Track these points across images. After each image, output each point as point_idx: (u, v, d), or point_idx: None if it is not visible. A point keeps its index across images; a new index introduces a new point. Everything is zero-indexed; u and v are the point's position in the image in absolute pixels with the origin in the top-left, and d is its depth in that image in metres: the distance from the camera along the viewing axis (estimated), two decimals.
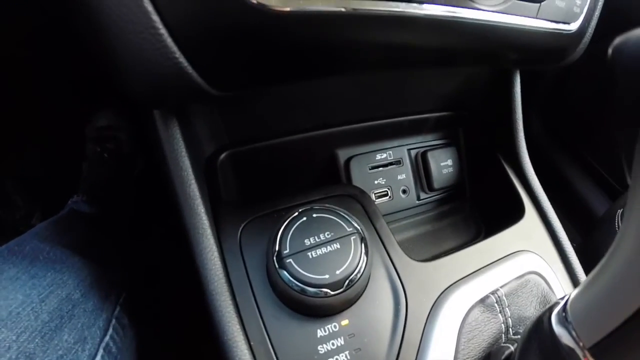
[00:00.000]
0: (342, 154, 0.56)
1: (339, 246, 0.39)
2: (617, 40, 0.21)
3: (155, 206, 1.01)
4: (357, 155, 0.56)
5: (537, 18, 0.42)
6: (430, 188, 0.60)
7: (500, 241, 0.51)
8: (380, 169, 0.57)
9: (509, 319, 0.44)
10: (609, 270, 0.26)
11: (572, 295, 0.31)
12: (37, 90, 1.02)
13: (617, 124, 0.23)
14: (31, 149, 1.11)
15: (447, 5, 0.35)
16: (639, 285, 0.23)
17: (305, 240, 0.39)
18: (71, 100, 1.13)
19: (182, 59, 0.29)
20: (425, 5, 0.33)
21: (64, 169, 1.10)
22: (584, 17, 0.48)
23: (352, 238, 0.40)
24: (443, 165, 0.60)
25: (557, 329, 0.31)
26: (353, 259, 0.38)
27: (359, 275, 0.38)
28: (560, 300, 0.32)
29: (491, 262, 0.48)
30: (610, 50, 0.22)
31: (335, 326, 0.38)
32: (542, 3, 0.42)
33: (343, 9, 0.30)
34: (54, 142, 1.13)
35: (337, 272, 0.37)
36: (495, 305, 0.44)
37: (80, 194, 0.92)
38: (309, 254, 0.38)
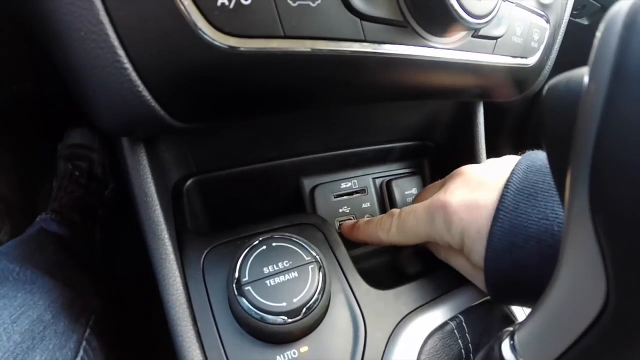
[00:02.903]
0: (307, 183, 0.57)
1: (296, 274, 0.40)
2: (552, 80, 0.22)
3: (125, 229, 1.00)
4: (322, 184, 0.57)
5: (493, 54, 0.44)
6: None
7: None
8: (345, 197, 0.58)
9: (469, 345, 0.45)
10: (547, 302, 0.28)
11: (520, 324, 0.32)
12: (7, 102, 1.01)
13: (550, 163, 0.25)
14: (0, 163, 1.10)
15: (401, 44, 0.36)
16: (574, 318, 0.24)
17: (264, 269, 0.40)
18: (44, 114, 1.12)
19: (145, 93, 0.30)
20: (379, 45, 0.35)
21: (35, 184, 1.09)
22: (542, 52, 0.50)
23: (310, 267, 0.41)
24: (407, 193, 0.62)
25: (507, 357, 0.32)
26: (310, 287, 0.39)
27: (316, 303, 0.39)
28: (510, 329, 0.34)
29: (452, 289, 0.49)
30: (544, 91, 0.23)
31: (294, 353, 0.39)
32: (498, 40, 0.43)
33: (304, 49, 0.31)
34: (25, 157, 1.12)
35: (295, 300, 0.38)
36: (455, 331, 0.45)
37: (49, 212, 0.91)
38: (268, 282, 0.39)
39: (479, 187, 0.42)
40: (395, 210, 0.49)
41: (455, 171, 0.47)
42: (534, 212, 0.37)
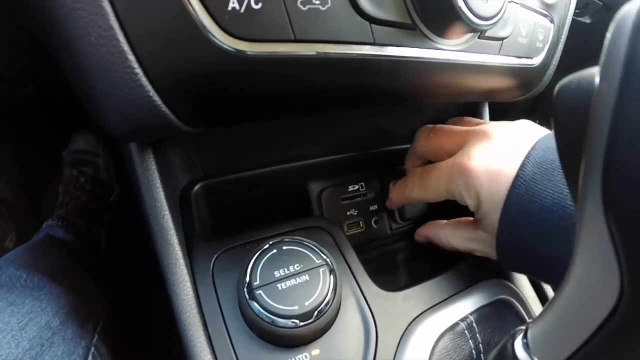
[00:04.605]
0: (315, 186, 0.57)
1: (307, 278, 0.40)
2: (563, 80, 0.23)
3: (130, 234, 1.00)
4: (329, 187, 0.57)
5: (499, 55, 0.44)
6: (402, 218, 0.61)
7: (470, 269, 0.52)
8: (353, 200, 0.58)
9: (480, 345, 0.45)
10: (561, 299, 0.28)
11: (533, 322, 0.32)
12: (11, 107, 1.01)
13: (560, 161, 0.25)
14: (5, 169, 1.10)
15: (410, 47, 0.36)
16: (588, 315, 0.25)
17: (275, 272, 0.40)
18: (48, 120, 1.13)
19: (156, 97, 0.30)
20: (387, 48, 0.35)
21: (40, 190, 1.09)
22: (547, 52, 0.50)
23: (320, 270, 0.41)
24: None
25: (520, 355, 0.32)
26: (321, 290, 0.39)
27: (327, 306, 0.39)
28: (523, 327, 0.34)
29: (461, 290, 0.49)
30: (555, 90, 0.23)
31: (306, 356, 0.39)
32: (504, 40, 0.44)
33: (314, 53, 0.32)
34: (30, 163, 1.12)
35: (306, 303, 0.38)
36: (466, 332, 0.45)
37: (55, 218, 0.91)
38: (279, 285, 0.39)
39: (502, 156, 0.44)
40: (417, 169, 0.52)
41: (478, 129, 0.48)
42: (549, 185, 0.39)
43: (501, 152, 0.44)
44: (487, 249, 0.47)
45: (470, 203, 0.45)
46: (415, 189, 0.51)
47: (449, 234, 0.52)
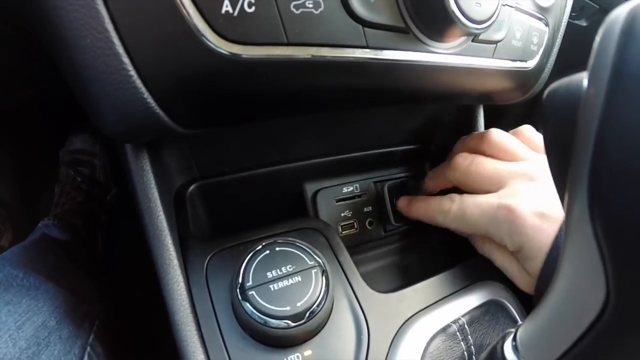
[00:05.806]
0: (309, 188, 0.57)
1: (300, 279, 0.40)
2: (553, 85, 0.23)
3: (127, 234, 1.00)
4: (324, 188, 0.57)
5: (493, 58, 0.44)
6: (397, 220, 0.61)
7: (463, 271, 0.52)
8: (347, 201, 0.58)
9: (472, 346, 0.45)
10: (549, 303, 0.28)
11: (522, 325, 0.32)
12: (9, 108, 1.00)
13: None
14: (3, 169, 1.10)
15: (403, 50, 0.36)
16: (575, 319, 0.25)
17: (268, 273, 0.40)
18: (46, 120, 1.13)
19: (150, 100, 0.30)
20: (380, 51, 0.35)
21: (37, 190, 1.09)
22: (542, 55, 0.50)
23: (313, 271, 0.41)
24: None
25: (509, 357, 0.32)
26: (314, 291, 0.39)
27: (319, 307, 0.39)
28: (512, 330, 0.34)
29: (453, 291, 0.50)
30: (544, 94, 0.23)
31: (298, 356, 0.39)
32: (498, 44, 0.44)
33: (309, 56, 0.32)
34: (27, 163, 1.12)
35: (298, 304, 0.38)
36: (457, 333, 0.45)
37: (51, 217, 0.91)
38: (271, 286, 0.39)
39: (548, 200, 0.43)
40: (456, 196, 0.50)
41: (522, 170, 0.47)
42: None
43: (546, 196, 0.43)
44: (519, 280, 0.48)
45: (510, 246, 0.45)
46: (450, 217, 0.49)
47: (489, 245, 0.51)
